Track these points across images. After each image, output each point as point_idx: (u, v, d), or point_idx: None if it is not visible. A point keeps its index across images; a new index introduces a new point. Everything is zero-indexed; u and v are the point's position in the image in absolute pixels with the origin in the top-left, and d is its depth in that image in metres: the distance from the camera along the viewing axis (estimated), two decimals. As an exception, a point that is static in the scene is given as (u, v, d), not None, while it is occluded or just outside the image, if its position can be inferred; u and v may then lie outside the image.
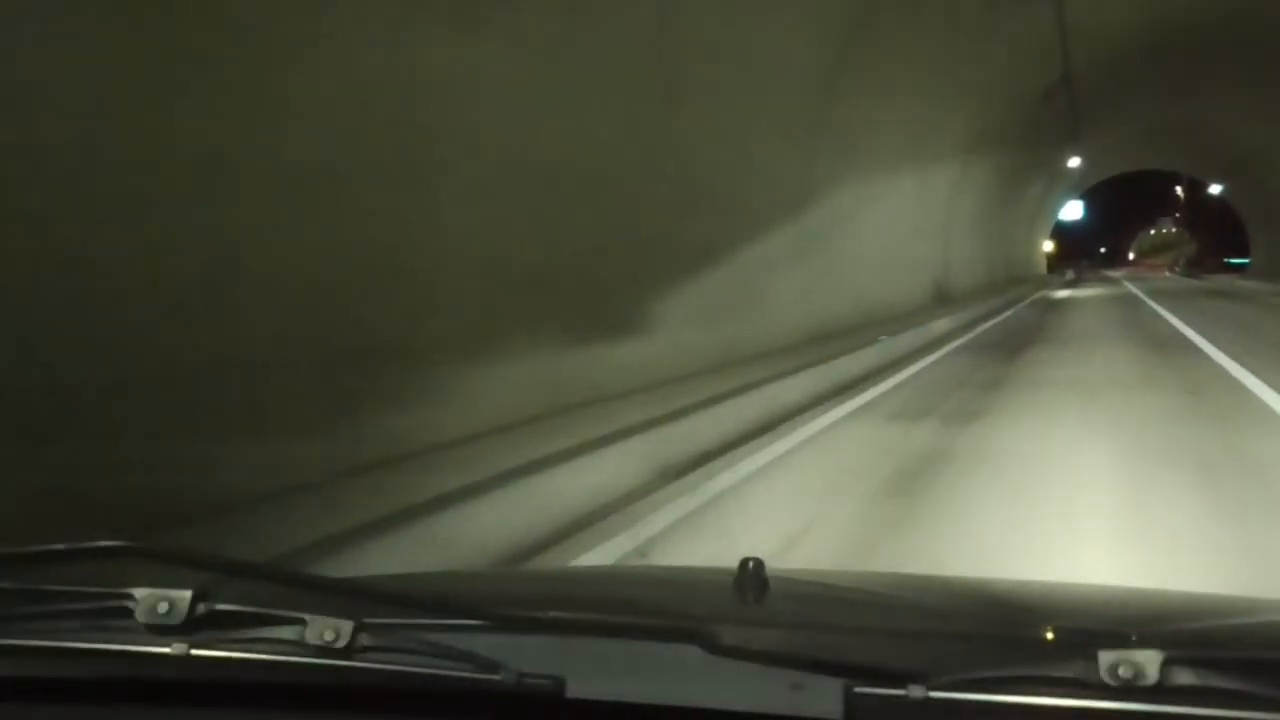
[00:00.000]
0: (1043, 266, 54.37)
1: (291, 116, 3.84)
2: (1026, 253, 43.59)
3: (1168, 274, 63.07)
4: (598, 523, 4.56)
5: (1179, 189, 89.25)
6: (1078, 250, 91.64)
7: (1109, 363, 11.69)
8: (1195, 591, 1.54)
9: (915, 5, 10.86)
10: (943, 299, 18.65)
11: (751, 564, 1.12)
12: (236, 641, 0.93)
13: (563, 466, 4.51)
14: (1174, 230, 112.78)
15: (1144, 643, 0.89)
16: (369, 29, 4.09)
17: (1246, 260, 52.51)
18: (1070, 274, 62.63)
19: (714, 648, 0.90)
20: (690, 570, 2.51)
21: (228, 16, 3.49)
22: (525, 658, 0.89)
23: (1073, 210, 77.92)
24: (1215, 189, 50.50)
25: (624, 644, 0.97)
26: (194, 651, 0.91)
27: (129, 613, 0.93)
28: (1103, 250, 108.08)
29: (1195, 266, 62.33)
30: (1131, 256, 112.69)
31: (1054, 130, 27.22)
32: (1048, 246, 60.23)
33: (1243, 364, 10.21)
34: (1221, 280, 44.24)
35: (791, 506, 5.12)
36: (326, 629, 0.91)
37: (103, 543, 0.83)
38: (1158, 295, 30.00)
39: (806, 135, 9.87)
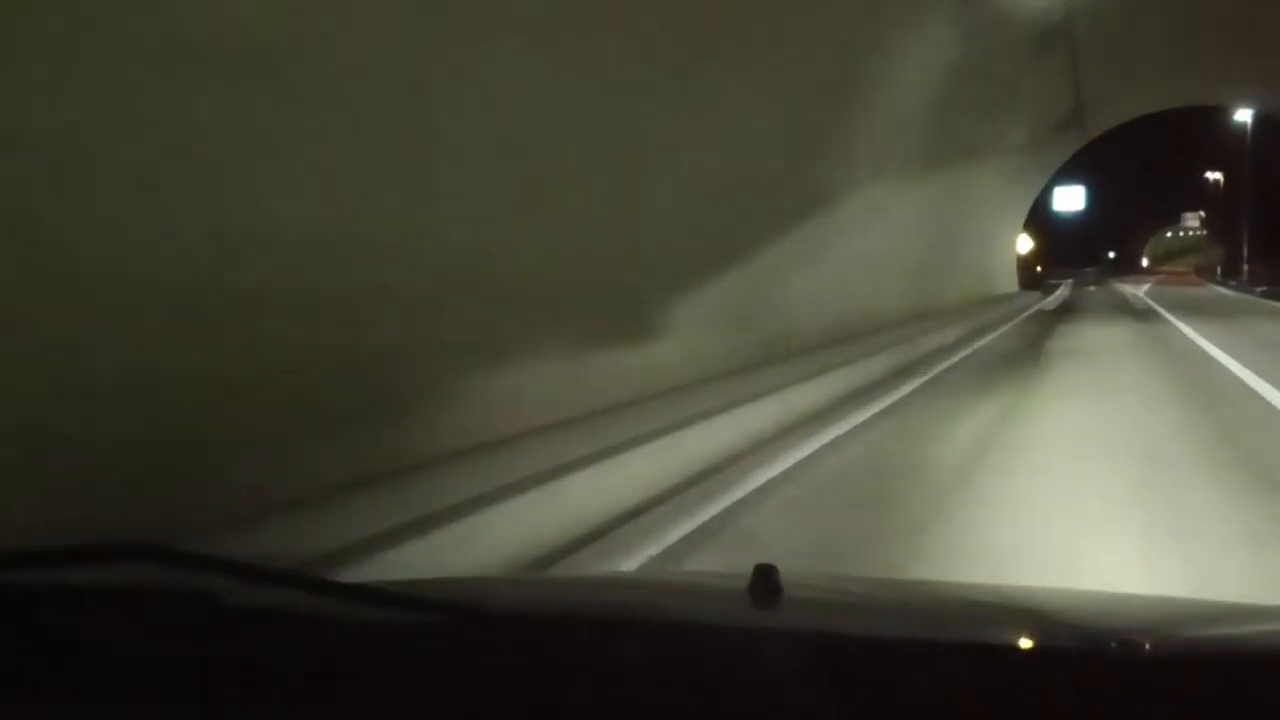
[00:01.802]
0: (1007, 277, 29.81)
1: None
2: (950, 257, 18.20)
3: (1225, 291, 36.81)
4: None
5: (1211, 175, 65.87)
6: (1077, 253, 68.05)
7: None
8: (1203, 599, 1.55)
9: None
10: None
11: (766, 571, 1.10)
12: (247, 643, 0.94)
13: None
14: (1197, 231, 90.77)
15: (1157, 650, 0.95)
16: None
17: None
18: (1062, 289, 38.35)
19: (725, 654, 0.92)
20: (704, 575, 2.62)
21: None
22: (534, 662, 0.90)
23: (1070, 198, 53.64)
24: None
25: (634, 649, 0.95)
26: (205, 653, 0.92)
27: (141, 614, 0.95)
28: (1111, 255, 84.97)
29: (1261, 280, 36.44)
30: (1145, 263, 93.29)
31: None
32: (1022, 245, 35.77)
33: None
34: None
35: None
36: (337, 632, 0.94)
37: (116, 544, 0.87)
38: None
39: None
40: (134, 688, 0.88)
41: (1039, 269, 64.56)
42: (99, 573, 0.91)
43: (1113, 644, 0.96)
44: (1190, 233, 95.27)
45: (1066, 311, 24.72)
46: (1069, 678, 0.86)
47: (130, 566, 0.89)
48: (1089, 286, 44.30)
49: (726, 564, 3.61)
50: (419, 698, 0.86)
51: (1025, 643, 1.06)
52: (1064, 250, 66.15)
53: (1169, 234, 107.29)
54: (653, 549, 3.92)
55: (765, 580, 1.09)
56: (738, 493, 4.89)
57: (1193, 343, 13.59)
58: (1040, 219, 56.30)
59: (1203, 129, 58.59)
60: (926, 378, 9.79)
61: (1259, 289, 32.25)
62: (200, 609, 0.93)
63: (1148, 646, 0.95)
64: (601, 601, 1.34)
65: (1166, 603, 1.55)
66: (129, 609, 0.95)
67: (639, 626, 1.06)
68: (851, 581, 1.93)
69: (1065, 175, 55.91)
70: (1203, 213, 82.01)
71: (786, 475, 5.36)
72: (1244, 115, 33.51)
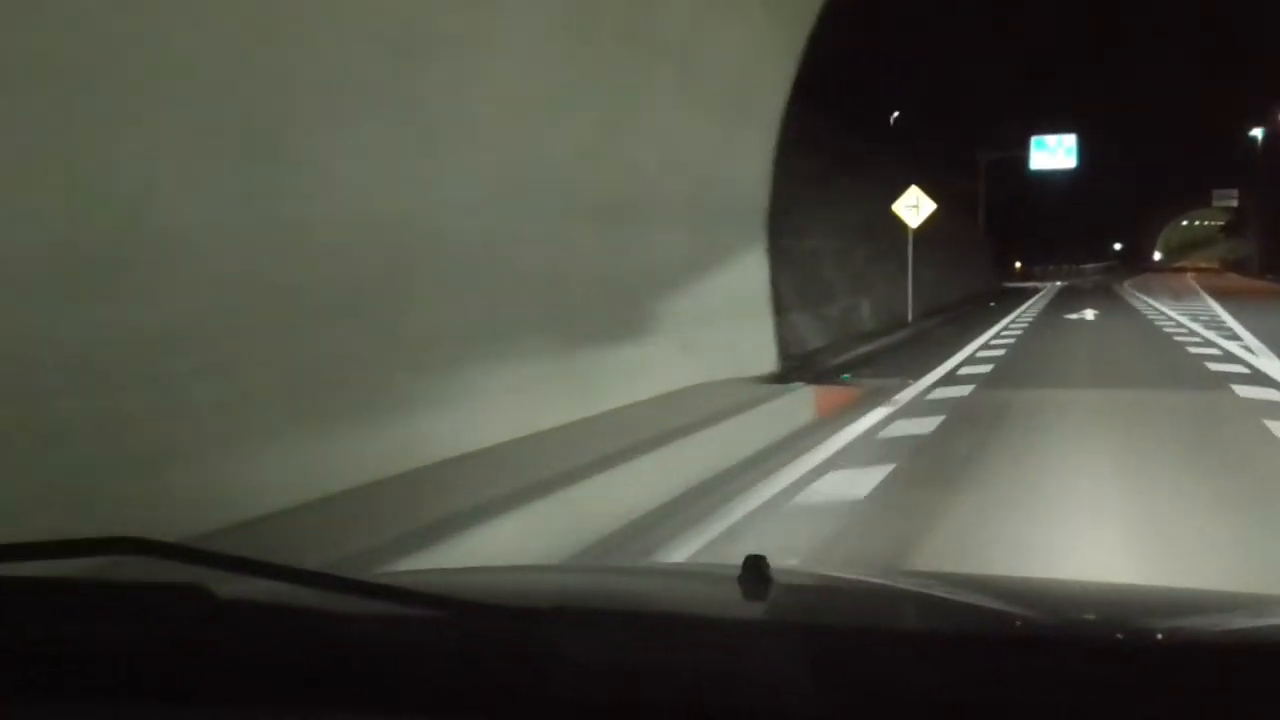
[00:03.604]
0: (713, 352, 7.87)
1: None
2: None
3: None
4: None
5: (1258, 133, 45.70)
6: (1070, 243, 47.43)
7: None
8: (1206, 589, 1.47)
9: None
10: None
11: (755, 562, 1.08)
12: (241, 637, 0.93)
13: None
14: (1226, 218, 73.27)
15: (1168, 639, 0.95)
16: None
17: None
18: (1002, 332, 16.21)
19: (714, 645, 0.91)
20: (694, 567, 2.65)
21: None
22: (525, 653, 0.89)
23: (1054, 152, 31.97)
24: None
25: (625, 640, 0.93)
26: (199, 647, 0.91)
27: (135, 608, 0.93)
28: (1118, 246, 64.07)
29: None
30: (1158, 258, 75.65)
31: None
32: (909, 211, 13.78)
33: None
34: None
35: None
36: (331, 625, 0.93)
37: (111, 537, 0.86)
38: None
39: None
40: (128, 682, 0.88)
41: (1018, 266, 43.53)
42: (94, 566, 0.89)
43: (1118, 634, 0.96)
44: (1217, 222, 78.52)
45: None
46: (1069, 668, 0.83)
47: (124, 560, 0.87)
48: (1082, 311, 20.37)
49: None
50: (413, 689, 0.86)
51: (1023, 633, 1.03)
52: (1051, 237, 46.47)
53: (1184, 222, 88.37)
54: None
55: (755, 571, 1.07)
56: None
57: None
58: (1009, 187, 34.89)
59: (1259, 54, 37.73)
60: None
61: None
62: (195, 602, 0.90)
63: (1159, 637, 0.95)
64: (593, 592, 1.33)
65: (1167, 593, 1.49)
66: (123, 602, 0.94)
67: (630, 617, 1.04)
68: (840, 573, 1.87)
69: (1047, 114, 34.79)
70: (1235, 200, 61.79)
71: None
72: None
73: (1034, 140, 34.02)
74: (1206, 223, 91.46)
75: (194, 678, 0.87)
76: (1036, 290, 31.37)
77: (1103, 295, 27.18)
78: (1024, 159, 34.45)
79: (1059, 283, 38.95)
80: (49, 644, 0.89)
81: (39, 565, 0.88)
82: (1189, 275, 49.21)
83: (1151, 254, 74.80)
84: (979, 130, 31.97)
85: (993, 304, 21.53)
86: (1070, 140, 33.79)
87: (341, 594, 0.92)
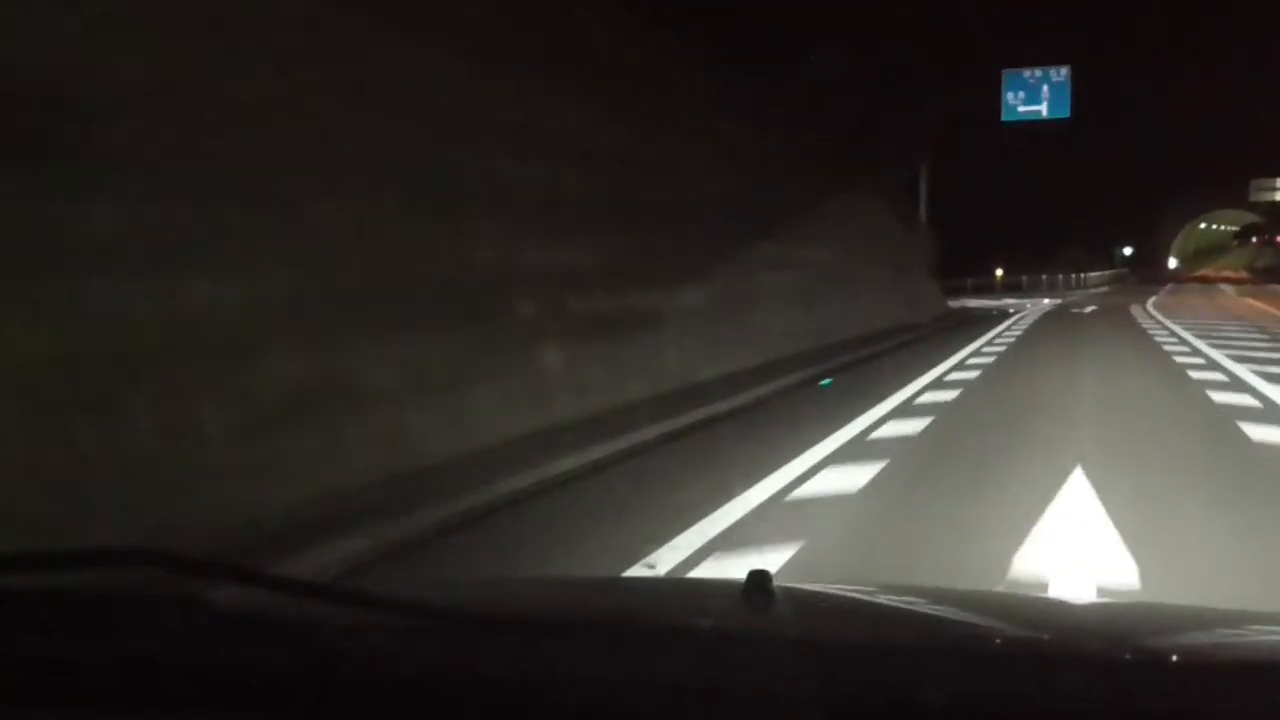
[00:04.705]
0: None
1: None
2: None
3: None
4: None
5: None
6: (1062, 244, 34.98)
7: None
8: (1202, 606, 1.47)
9: None
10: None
11: (759, 576, 1.06)
12: (243, 648, 0.92)
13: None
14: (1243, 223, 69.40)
15: (1180, 658, 0.94)
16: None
17: None
18: None
19: (718, 659, 0.91)
20: (697, 582, 2.71)
21: None
22: (528, 665, 0.89)
23: (1037, 92, 18.64)
24: None
25: (628, 654, 0.93)
26: (201, 657, 0.91)
27: (139, 617, 0.93)
28: (1128, 251, 51.31)
29: None
30: (1173, 265, 64.74)
31: None
32: None
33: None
34: None
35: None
36: (333, 636, 0.92)
37: (113, 548, 0.86)
38: None
39: None
40: (127, 691, 0.87)
41: (999, 275, 32.68)
42: (96, 577, 0.90)
43: (1126, 654, 0.96)
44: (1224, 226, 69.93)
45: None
46: (1075, 685, 0.83)
47: (126, 571, 0.86)
48: (1050, 508, 7.29)
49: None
50: (414, 702, 0.85)
51: (1028, 650, 1.01)
52: (1046, 238, 33.70)
53: (1202, 224, 77.02)
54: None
55: (759, 585, 1.05)
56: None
57: None
58: (985, 169, 22.77)
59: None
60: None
61: None
62: (193, 613, 0.91)
63: (1175, 657, 0.94)
64: (595, 606, 1.30)
65: (1168, 610, 1.49)
66: (122, 613, 0.93)
67: (633, 631, 1.03)
68: (845, 588, 1.89)
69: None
70: None
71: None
72: None
73: (1006, 76, 21.11)
74: (1223, 227, 79.94)
75: (192, 687, 0.86)
76: (1005, 316, 18.64)
77: (1117, 340, 13.77)
78: (995, 113, 21.74)
79: (1047, 301, 26.26)
80: (49, 653, 0.88)
81: (40, 576, 0.87)
82: (1226, 289, 36.78)
83: (1166, 261, 62.61)
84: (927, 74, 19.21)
85: (826, 383, 8.28)
86: (1061, 74, 20.82)
87: (342, 605, 0.92)
